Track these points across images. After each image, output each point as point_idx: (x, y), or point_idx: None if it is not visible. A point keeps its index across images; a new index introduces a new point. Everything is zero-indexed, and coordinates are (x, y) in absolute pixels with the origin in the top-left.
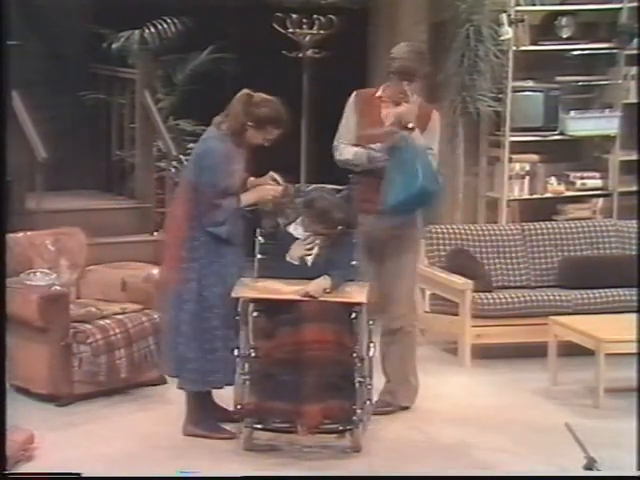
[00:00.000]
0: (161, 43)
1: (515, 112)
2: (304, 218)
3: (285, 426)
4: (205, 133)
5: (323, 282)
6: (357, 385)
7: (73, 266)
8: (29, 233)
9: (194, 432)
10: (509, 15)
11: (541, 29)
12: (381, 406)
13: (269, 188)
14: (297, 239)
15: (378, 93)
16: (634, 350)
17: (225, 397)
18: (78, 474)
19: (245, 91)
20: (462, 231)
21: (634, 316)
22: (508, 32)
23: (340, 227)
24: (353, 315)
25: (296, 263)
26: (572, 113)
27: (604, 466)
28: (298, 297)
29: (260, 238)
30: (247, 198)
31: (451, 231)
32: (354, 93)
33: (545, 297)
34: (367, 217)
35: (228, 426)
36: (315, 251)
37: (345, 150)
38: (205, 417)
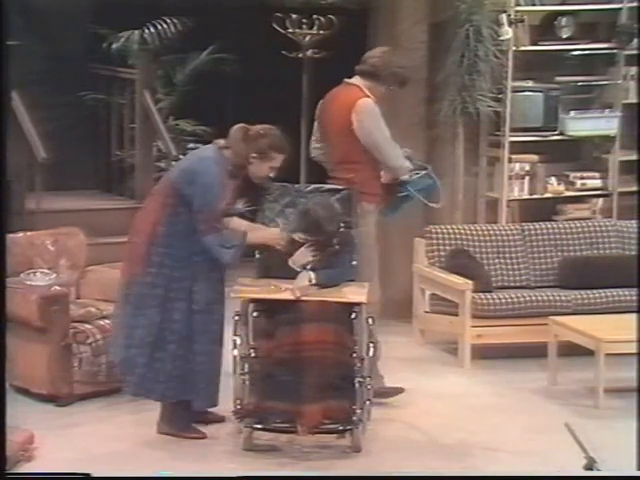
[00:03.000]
0: (161, 43)
1: (515, 112)
2: (298, 224)
3: (285, 426)
4: (203, 150)
5: (303, 279)
6: (357, 385)
7: (73, 266)
8: (29, 233)
9: (166, 430)
10: (509, 15)
11: (541, 29)
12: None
13: (276, 237)
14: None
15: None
16: (634, 350)
17: (224, 397)
18: (87, 474)
19: (240, 125)
20: (462, 231)
21: (634, 316)
22: (508, 32)
23: (332, 243)
24: (353, 315)
25: (298, 269)
26: (572, 113)
27: (604, 466)
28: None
29: None
30: (254, 236)
31: (451, 231)
32: (369, 101)
33: (545, 297)
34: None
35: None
36: (317, 257)
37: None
38: (178, 416)
